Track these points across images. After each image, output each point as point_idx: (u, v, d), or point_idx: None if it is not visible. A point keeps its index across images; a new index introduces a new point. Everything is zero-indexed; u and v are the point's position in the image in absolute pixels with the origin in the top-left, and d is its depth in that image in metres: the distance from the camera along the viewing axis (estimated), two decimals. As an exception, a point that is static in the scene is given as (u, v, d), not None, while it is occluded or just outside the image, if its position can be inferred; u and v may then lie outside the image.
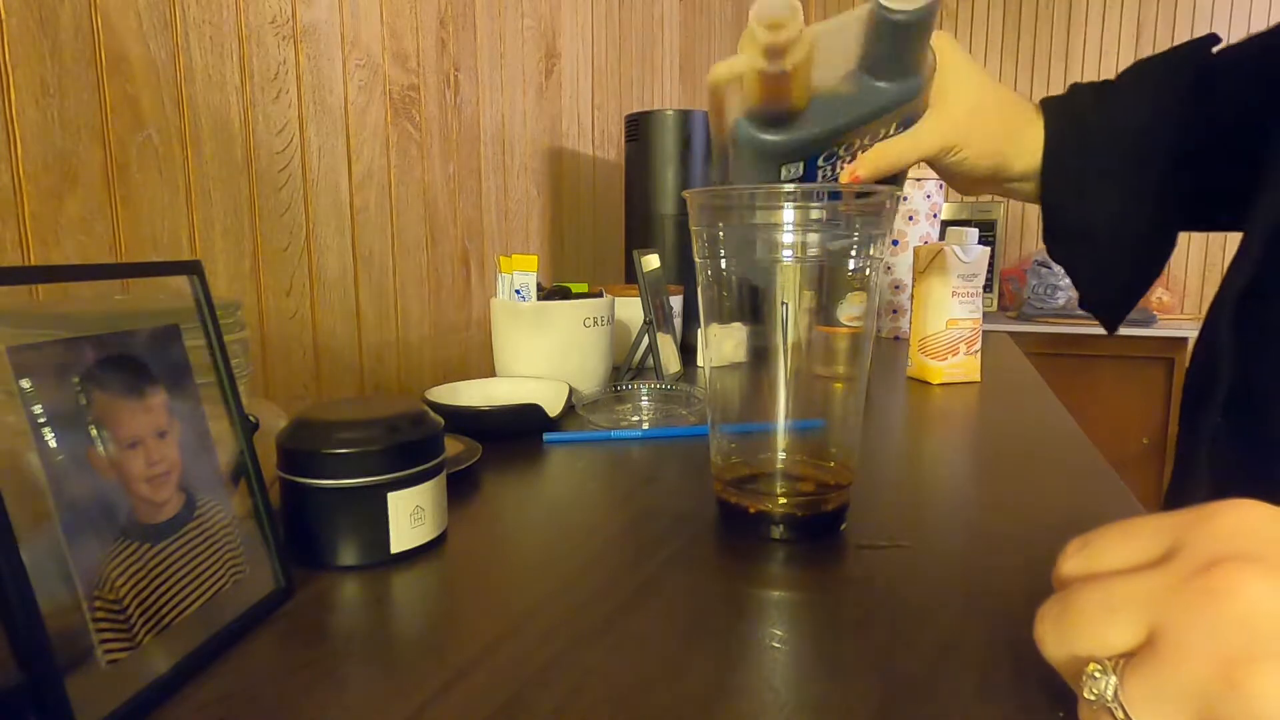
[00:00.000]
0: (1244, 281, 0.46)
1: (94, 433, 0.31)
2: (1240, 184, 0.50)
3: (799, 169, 0.50)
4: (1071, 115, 0.55)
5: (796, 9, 0.42)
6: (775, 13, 0.41)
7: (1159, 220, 0.55)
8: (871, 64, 0.47)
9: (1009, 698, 0.30)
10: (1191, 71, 0.53)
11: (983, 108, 0.54)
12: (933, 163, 0.54)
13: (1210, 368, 0.47)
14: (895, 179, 0.55)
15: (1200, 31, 2.65)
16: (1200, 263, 2.87)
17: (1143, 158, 0.54)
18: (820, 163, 0.50)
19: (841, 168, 0.51)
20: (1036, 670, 0.27)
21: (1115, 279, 0.57)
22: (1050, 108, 0.56)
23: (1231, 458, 0.47)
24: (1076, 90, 0.57)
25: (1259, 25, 2.57)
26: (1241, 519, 0.23)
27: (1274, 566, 0.21)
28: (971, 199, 3.11)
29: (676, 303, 1.06)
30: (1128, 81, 0.56)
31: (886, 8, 0.44)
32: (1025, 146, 0.55)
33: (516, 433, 0.69)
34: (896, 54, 0.47)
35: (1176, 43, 0.55)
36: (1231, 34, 2.63)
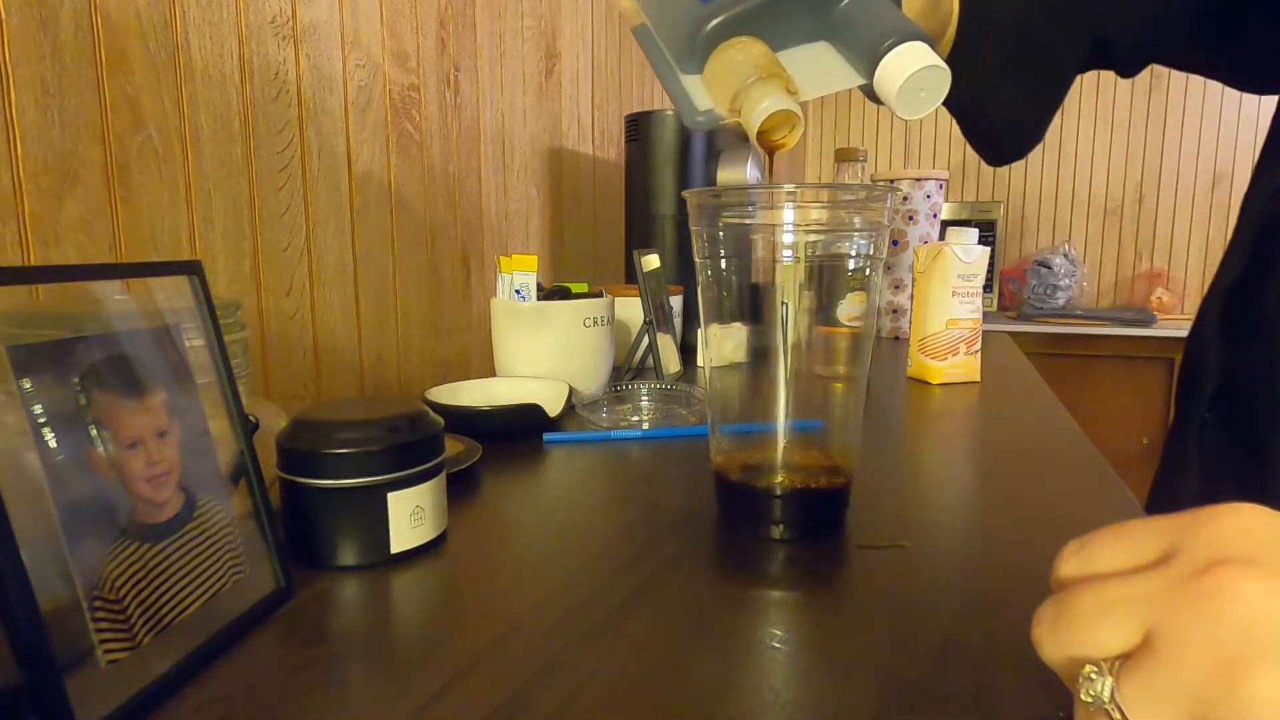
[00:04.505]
0: (1232, 277, 0.46)
1: (94, 433, 0.31)
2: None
3: None
4: (979, 16, 0.51)
5: None
6: None
7: (1042, 114, 0.53)
8: None
9: (1009, 698, 0.31)
10: None
11: None
12: None
13: (1198, 362, 0.48)
14: None
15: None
16: (1200, 263, 2.87)
17: (1040, 56, 0.51)
18: None
19: None
20: (1036, 671, 0.27)
21: (997, 148, 0.55)
22: (964, 10, 0.51)
23: (1219, 451, 0.47)
24: None
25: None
26: (1240, 522, 0.23)
27: (1272, 569, 0.21)
28: (971, 199, 3.11)
29: (676, 303, 1.06)
30: None
31: None
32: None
33: (516, 433, 0.69)
34: None
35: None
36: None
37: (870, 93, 0.41)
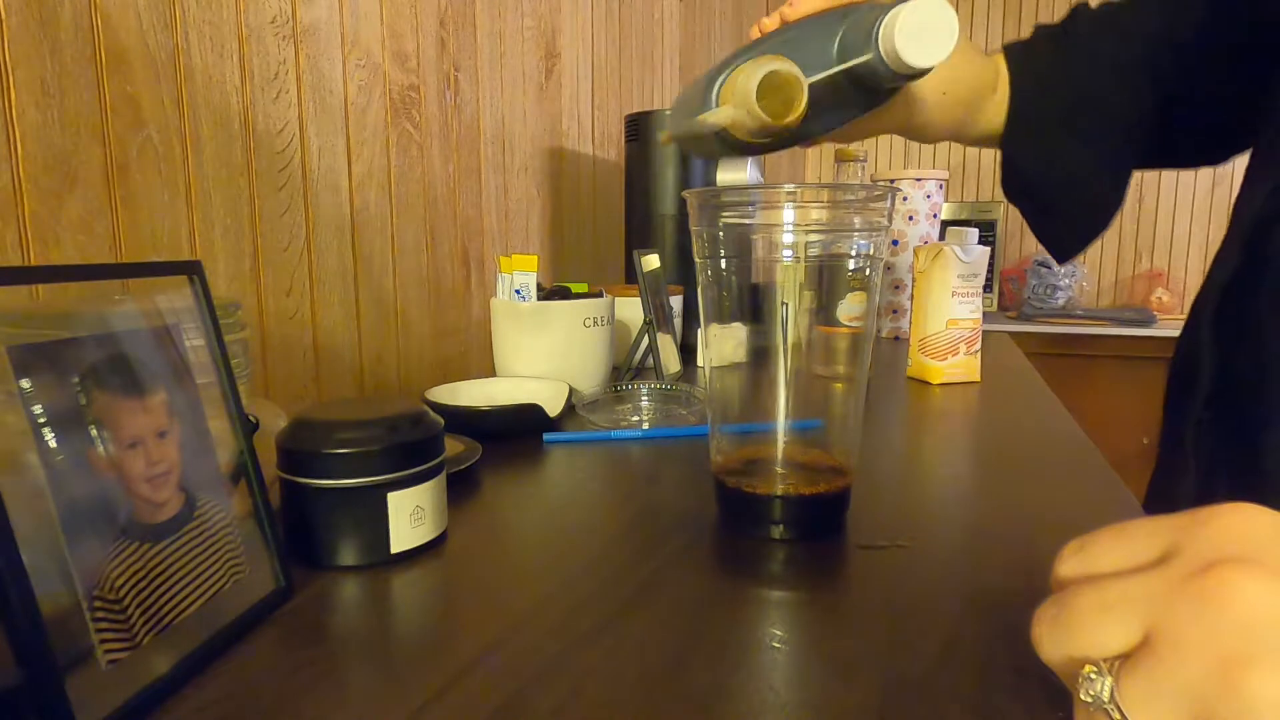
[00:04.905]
0: (1226, 277, 0.46)
1: (94, 433, 0.31)
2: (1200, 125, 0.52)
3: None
4: (1034, 74, 0.55)
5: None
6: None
7: (1114, 174, 0.55)
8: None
9: (1009, 698, 0.30)
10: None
11: (952, 85, 0.54)
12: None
13: (1192, 361, 0.48)
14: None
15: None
16: (1200, 263, 2.87)
17: (1101, 109, 0.54)
18: None
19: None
20: (1036, 670, 0.27)
21: (1070, 224, 0.58)
22: (1014, 68, 0.55)
23: (1214, 450, 0.47)
24: (1037, 40, 0.56)
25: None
26: (1239, 522, 0.23)
27: (1271, 569, 0.21)
28: (971, 199, 3.11)
29: (676, 303, 1.06)
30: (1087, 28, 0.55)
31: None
32: (987, 114, 0.56)
33: (516, 433, 0.69)
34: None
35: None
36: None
37: (884, 68, 0.41)
